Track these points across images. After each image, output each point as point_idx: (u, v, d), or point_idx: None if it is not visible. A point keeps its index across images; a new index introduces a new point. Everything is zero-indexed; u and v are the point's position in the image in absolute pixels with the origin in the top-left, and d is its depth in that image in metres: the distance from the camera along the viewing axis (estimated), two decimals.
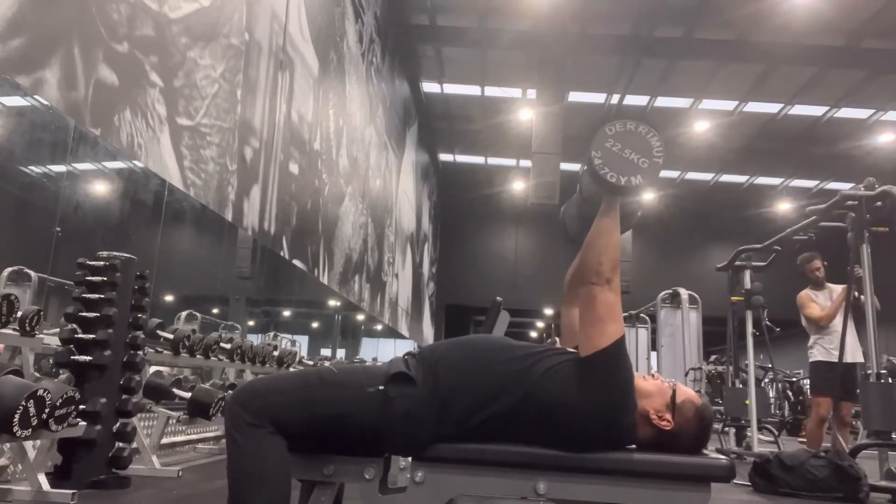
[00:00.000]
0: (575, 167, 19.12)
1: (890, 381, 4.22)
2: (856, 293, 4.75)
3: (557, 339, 2.03)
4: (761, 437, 6.35)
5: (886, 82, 13.08)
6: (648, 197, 19.98)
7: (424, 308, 19.77)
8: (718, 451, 4.05)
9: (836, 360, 4.77)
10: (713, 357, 11.04)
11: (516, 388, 1.49)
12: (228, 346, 4.67)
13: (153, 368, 4.09)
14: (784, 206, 19.16)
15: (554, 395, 1.48)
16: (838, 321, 4.87)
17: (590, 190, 1.74)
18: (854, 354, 4.94)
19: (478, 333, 2.01)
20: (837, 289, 5.25)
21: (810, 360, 5.25)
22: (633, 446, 1.54)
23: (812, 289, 5.38)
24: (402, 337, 16.93)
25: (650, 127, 1.59)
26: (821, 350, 5.15)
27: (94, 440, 3.04)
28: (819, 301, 5.29)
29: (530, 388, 1.49)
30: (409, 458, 1.51)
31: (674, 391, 1.56)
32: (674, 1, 11.34)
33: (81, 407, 2.82)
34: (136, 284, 3.43)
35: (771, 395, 11.05)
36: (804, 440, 6.88)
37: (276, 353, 5.56)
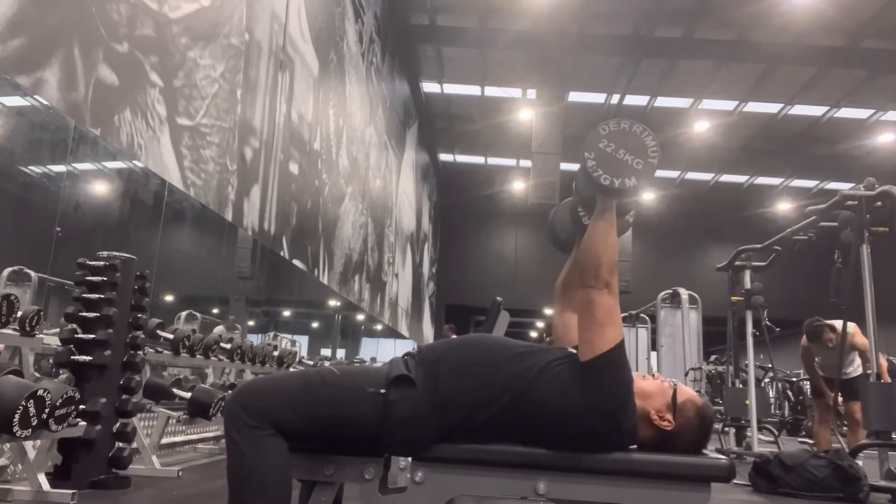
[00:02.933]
0: (575, 167, 19.06)
1: (890, 381, 4.23)
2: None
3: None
4: (761, 437, 6.35)
5: (886, 82, 13.08)
6: (648, 197, 20.03)
7: (424, 308, 19.77)
8: (718, 451, 4.05)
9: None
10: (713, 357, 11.03)
11: (516, 388, 1.49)
12: (228, 346, 4.67)
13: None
14: (784, 206, 19.16)
15: (554, 395, 1.47)
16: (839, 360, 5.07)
17: (584, 190, 1.71)
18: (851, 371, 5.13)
19: (478, 333, 2.00)
20: (839, 325, 4.98)
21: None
22: (634, 446, 1.53)
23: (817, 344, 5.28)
24: (402, 337, 16.93)
25: (644, 126, 1.55)
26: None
27: (94, 440, 3.04)
28: (825, 355, 5.27)
29: (530, 388, 1.48)
30: (409, 458, 1.51)
31: (674, 391, 1.55)
32: (674, 1, 11.34)
33: (81, 407, 2.82)
34: (136, 284, 3.43)
35: (771, 395, 11.05)
36: (804, 440, 6.90)
37: (276, 353, 5.56)
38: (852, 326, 4.78)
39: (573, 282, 1.80)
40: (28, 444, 2.67)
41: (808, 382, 5.77)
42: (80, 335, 3.16)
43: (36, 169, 5.10)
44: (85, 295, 3.23)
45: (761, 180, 19.28)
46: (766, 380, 10.33)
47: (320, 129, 8.71)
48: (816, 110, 14.77)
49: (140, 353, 3.42)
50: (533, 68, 12.82)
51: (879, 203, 4.45)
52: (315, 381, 1.52)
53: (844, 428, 5.67)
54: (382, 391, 1.48)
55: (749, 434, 6.09)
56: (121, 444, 3.22)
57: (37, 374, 3.13)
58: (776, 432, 6.89)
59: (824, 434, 5.15)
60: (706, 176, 19.25)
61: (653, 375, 1.62)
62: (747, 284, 6.25)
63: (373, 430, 1.47)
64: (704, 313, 9.08)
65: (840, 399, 5.26)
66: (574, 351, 1.56)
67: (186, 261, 7.83)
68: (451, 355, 1.56)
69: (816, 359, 5.38)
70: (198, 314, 8.11)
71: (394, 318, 15.04)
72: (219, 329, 7.81)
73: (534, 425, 1.48)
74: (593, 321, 1.47)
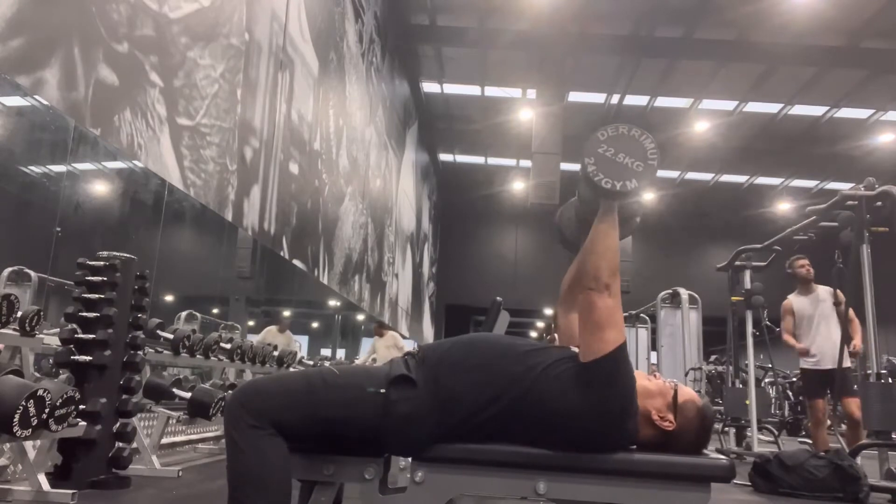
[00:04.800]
0: (575, 167, 19.09)
1: (890, 380, 4.22)
2: (836, 300, 5.02)
3: (556, 336, 2.02)
4: (761, 437, 6.35)
5: (886, 82, 13.07)
6: (648, 197, 20.03)
7: (424, 308, 19.76)
8: (718, 451, 4.04)
9: (820, 367, 5.11)
10: (713, 357, 11.03)
11: (517, 388, 1.49)
12: (228, 346, 4.67)
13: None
14: (784, 206, 19.16)
15: (555, 396, 1.47)
16: (814, 328, 5.19)
17: (586, 195, 1.74)
18: (833, 359, 4.94)
19: (479, 332, 2.00)
20: (824, 292, 5.26)
21: (800, 365, 5.45)
22: (634, 447, 1.53)
23: (799, 293, 5.40)
24: (402, 337, 16.93)
25: (643, 129, 1.58)
26: (804, 360, 5.29)
27: (94, 440, 3.04)
28: (803, 308, 5.32)
29: (531, 388, 1.48)
30: (409, 458, 1.51)
31: (675, 391, 1.55)
32: (674, 1, 11.34)
33: (81, 407, 2.82)
34: (136, 284, 3.43)
35: (771, 395, 11.03)
36: (804, 440, 6.89)
37: (275, 353, 5.56)
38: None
39: (576, 283, 1.81)
40: (28, 444, 2.67)
41: (802, 387, 5.74)
42: (80, 335, 3.16)
43: (36, 169, 5.10)
44: (85, 295, 3.23)
45: (761, 180, 19.28)
46: (767, 380, 10.32)
47: (320, 129, 8.70)
48: (816, 110, 14.77)
49: (140, 353, 3.42)
50: (533, 68, 12.82)
51: (879, 203, 4.45)
52: (316, 380, 1.52)
53: (844, 427, 5.67)
54: (383, 391, 1.47)
55: (749, 434, 6.09)
56: (121, 444, 3.22)
57: (37, 374, 3.13)
58: (776, 432, 6.89)
59: (821, 434, 5.13)
60: (706, 176, 19.25)
61: (654, 375, 1.62)
62: (747, 284, 6.25)
63: (373, 430, 1.47)
64: (704, 313, 9.08)
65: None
66: (577, 351, 1.56)
67: (186, 261, 7.83)
68: (453, 354, 1.56)
69: (797, 332, 5.35)
70: (198, 314, 8.11)
71: (394, 318, 15.03)
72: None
73: (535, 425, 1.48)
74: (593, 324, 1.47)
